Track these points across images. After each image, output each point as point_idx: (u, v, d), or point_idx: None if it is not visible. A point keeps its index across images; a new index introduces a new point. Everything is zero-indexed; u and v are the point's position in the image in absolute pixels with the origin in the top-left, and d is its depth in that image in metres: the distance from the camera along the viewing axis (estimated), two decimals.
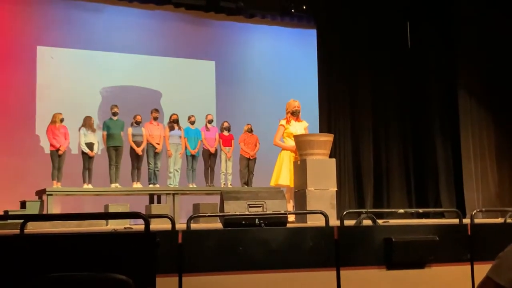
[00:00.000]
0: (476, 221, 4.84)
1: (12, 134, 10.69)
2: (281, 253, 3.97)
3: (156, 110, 10.68)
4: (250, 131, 11.05)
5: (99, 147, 10.27)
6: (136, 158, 10.22)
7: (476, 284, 3.84)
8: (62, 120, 9.81)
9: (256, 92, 12.75)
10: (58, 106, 10.48)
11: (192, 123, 10.79)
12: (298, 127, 7.86)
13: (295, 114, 7.90)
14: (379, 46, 12.31)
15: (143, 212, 8.24)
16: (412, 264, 4.27)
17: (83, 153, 9.85)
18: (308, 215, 6.47)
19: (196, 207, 9.83)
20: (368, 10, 12.15)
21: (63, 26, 11.51)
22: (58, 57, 11.39)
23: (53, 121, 9.78)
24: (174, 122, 10.56)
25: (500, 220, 5.98)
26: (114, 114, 10.19)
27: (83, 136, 9.88)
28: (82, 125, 9.96)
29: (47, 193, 9.18)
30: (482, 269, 2.44)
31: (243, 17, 12.51)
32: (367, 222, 4.67)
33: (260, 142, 11.07)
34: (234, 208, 4.76)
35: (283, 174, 7.63)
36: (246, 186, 10.63)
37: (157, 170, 10.35)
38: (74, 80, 11.41)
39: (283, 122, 7.92)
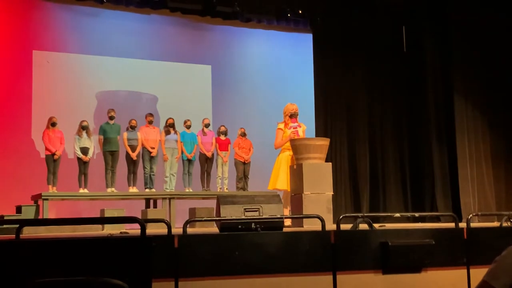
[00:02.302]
0: (472, 225, 4.85)
1: (8, 138, 10.66)
2: (278, 257, 3.97)
3: (151, 115, 10.65)
4: (244, 135, 11.05)
5: (94, 152, 10.25)
6: (132, 163, 10.20)
7: None
8: (53, 124, 9.77)
9: (253, 96, 12.76)
10: (54, 110, 10.45)
11: (188, 127, 10.78)
12: (298, 133, 7.86)
13: (293, 116, 7.90)
14: (375, 50, 12.34)
15: (139, 216, 8.26)
16: (409, 268, 4.27)
17: (78, 157, 9.83)
18: (304, 219, 6.47)
19: (192, 211, 9.82)
20: (363, 14, 12.17)
21: (59, 30, 11.50)
22: (54, 61, 11.37)
23: (48, 125, 9.77)
24: (170, 126, 10.55)
25: (496, 224, 6.00)
26: (111, 118, 10.17)
27: (78, 141, 9.86)
28: (78, 130, 9.94)
29: (42, 197, 9.15)
30: (478, 273, 2.44)
31: (239, 21, 12.50)
32: (363, 226, 4.67)
33: (256, 146, 11.07)
34: (231, 212, 4.76)
35: (280, 178, 7.63)
36: (242, 191, 10.62)
37: (153, 175, 10.33)
38: (70, 84, 11.40)
39: (281, 126, 7.92)
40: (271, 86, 12.85)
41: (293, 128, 7.76)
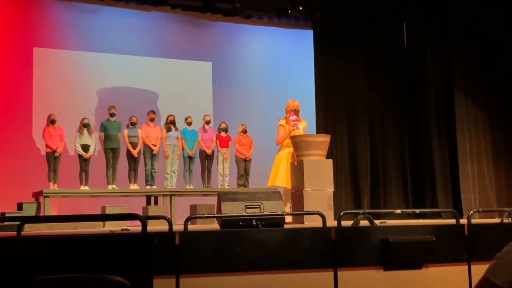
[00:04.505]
0: (473, 221, 4.85)
1: (9, 135, 10.67)
2: (279, 254, 3.97)
3: (153, 112, 10.67)
4: (245, 131, 11.05)
5: (95, 149, 10.25)
6: (132, 160, 10.21)
7: (473, 285, 3.84)
8: (53, 122, 9.76)
9: (253, 93, 12.76)
10: (55, 108, 10.47)
11: (189, 124, 10.78)
12: (298, 125, 7.84)
13: (295, 112, 7.86)
14: (376, 47, 12.33)
15: (140, 213, 8.27)
16: (409, 265, 4.27)
17: (79, 155, 9.84)
18: (305, 216, 6.48)
19: (193, 208, 9.84)
20: (364, 10, 12.16)
21: (59, 27, 11.50)
22: (54, 59, 11.37)
23: (47, 123, 9.77)
24: (171, 123, 10.55)
25: (497, 220, 6.00)
26: (112, 115, 10.18)
27: (78, 138, 9.87)
28: (79, 127, 9.94)
29: (44, 194, 9.17)
30: (479, 270, 2.44)
31: (240, 18, 12.50)
32: (364, 223, 4.67)
33: (257, 143, 11.08)
34: (231, 209, 4.76)
35: (279, 175, 7.61)
36: (243, 187, 10.63)
37: (154, 172, 10.34)
38: (71, 81, 11.40)
39: (283, 122, 7.89)
40: (272, 82, 12.85)
41: (292, 121, 7.73)
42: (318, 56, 12.47)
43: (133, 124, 10.28)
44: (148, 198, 10.43)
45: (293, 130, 7.66)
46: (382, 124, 12.44)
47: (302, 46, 13.00)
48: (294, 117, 7.79)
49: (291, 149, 7.54)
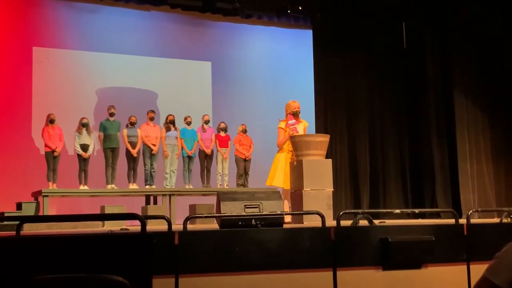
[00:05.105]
0: (472, 221, 4.85)
1: (8, 135, 10.67)
2: (278, 254, 3.96)
3: (153, 111, 10.68)
4: (245, 131, 11.05)
5: (94, 149, 10.25)
6: (132, 159, 10.21)
7: (472, 284, 3.84)
8: (52, 121, 9.76)
9: (253, 93, 12.76)
10: (54, 107, 10.47)
11: (189, 123, 10.79)
12: (298, 128, 7.84)
13: (296, 115, 7.87)
14: (376, 47, 12.32)
15: (139, 213, 8.26)
16: (409, 265, 4.27)
17: (78, 154, 9.84)
18: (304, 216, 6.48)
19: (192, 208, 9.83)
20: (364, 10, 12.16)
21: (59, 27, 11.50)
22: (54, 58, 11.37)
23: (46, 123, 9.77)
24: (170, 123, 10.56)
25: (496, 220, 6.00)
26: (111, 114, 10.18)
27: (78, 138, 9.87)
28: (78, 127, 9.94)
29: (43, 194, 9.16)
30: (479, 269, 2.44)
31: (240, 18, 12.50)
32: (363, 223, 4.67)
33: (257, 143, 11.08)
34: (231, 209, 4.76)
35: (277, 176, 7.61)
36: (242, 187, 10.63)
37: (153, 171, 10.34)
38: (70, 81, 11.40)
39: (282, 124, 7.87)
40: (271, 82, 12.86)
41: (291, 125, 7.74)
42: (317, 56, 12.46)
43: (132, 124, 10.28)
44: (148, 198, 10.43)
45: (293, 134, 7.67)
46: (382, 124, 12.43)
47: (302, 46, 12.99)
48: (293, 121, 7.79)
49: (290, 151, 7.55)
